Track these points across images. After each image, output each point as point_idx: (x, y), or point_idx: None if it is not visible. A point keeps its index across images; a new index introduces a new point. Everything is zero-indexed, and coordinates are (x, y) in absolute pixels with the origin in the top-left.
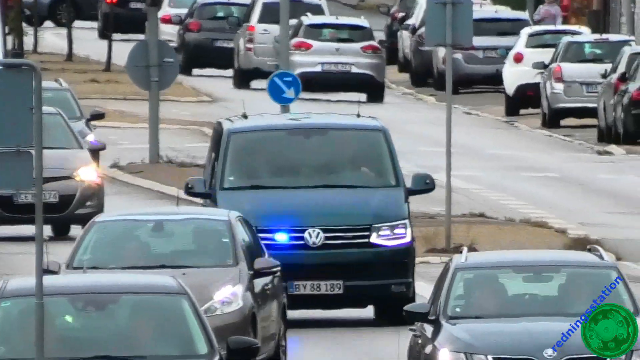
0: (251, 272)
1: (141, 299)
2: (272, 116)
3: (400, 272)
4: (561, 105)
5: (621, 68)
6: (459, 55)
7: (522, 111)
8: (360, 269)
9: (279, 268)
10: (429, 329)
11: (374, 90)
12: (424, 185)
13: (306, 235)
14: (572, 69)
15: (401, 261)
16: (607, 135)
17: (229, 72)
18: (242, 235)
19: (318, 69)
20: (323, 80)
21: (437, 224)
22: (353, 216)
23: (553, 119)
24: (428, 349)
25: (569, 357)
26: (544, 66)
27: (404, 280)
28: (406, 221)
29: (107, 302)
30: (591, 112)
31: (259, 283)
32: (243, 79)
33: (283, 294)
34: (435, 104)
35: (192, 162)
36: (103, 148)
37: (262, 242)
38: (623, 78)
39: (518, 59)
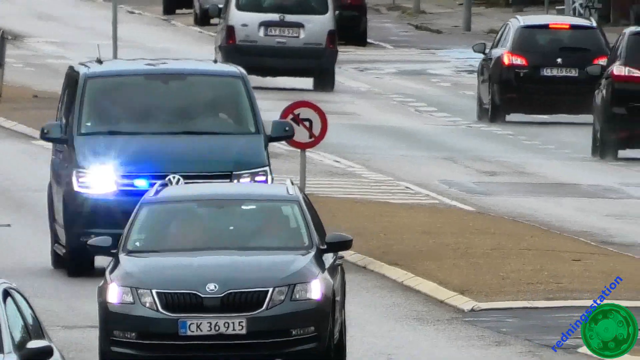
0: None
1: None
2: (129, 61)
3: None
4: (209, 5)
5: None
6: None
7: (177, 10)
8: None
9: None
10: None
11: None
12: (284, 132)
13: (167, 181)
14: None
15: None
16: None
17: None
18: None
19: None
20: None
21: None
22: (213, 163)
23: (203, 18)
24: (101, 282)
25: (231, 291)
26: None
27: None
28: (267, 168)
29: None
30: None
31: None
32: None
33: None
34: (103, 3)
35: None
36: None
37: (122, 188)
38: None
39: None
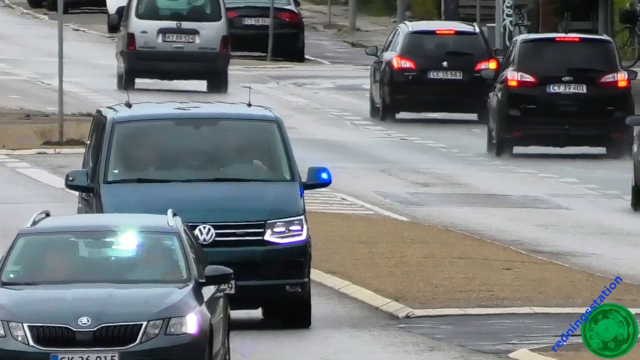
0: None
1: None
2: (159, 105)
3: (295, 272)
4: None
5: None
6: None
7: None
8: (253, 267)
9: None
10: None
11: None
12: (320, 179)
13: (197, 231)
14: None
15: (296, 260)
16: None
17: None
18: None
19: None
20: None
21: (51, 121)
22: (246, 212)
23: None
24: None
25: (104, 324)
26: None
27: (299, 280)
28: (302, 217)
29: None
30: None
31: None
32: None
33: None
34: (49, 22)
35: None
36: None
37: None
38: None
39: None
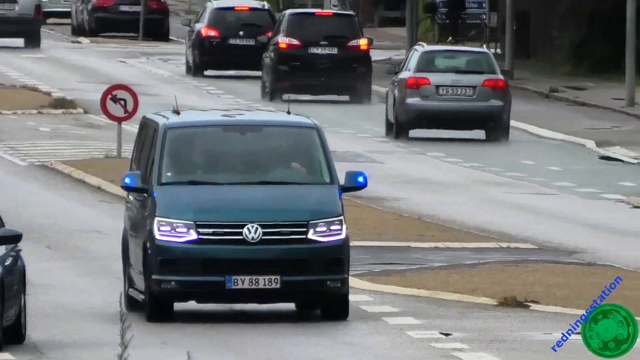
0: None
1: None
2: (205, 112)
3: (335, 268)
4: (47, 9)
5: None
6: None
7: None
8: (298, 264)
9: None
10: None
11: None
12: (357, 183)
13: (245, 230)
14: None
15: (336, 257)
16: (78, 31)
17: None
18: None
19: None
20: None
21: None
22: (291, 212)
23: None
24: None
25: None
26: None
27: (339, 276)
28: (341, 217)
29: None
30: (67, 15)
31: None
32: None
33: None
34: None
35: None
36: None
37: (202, 236)
38: None
39: None
